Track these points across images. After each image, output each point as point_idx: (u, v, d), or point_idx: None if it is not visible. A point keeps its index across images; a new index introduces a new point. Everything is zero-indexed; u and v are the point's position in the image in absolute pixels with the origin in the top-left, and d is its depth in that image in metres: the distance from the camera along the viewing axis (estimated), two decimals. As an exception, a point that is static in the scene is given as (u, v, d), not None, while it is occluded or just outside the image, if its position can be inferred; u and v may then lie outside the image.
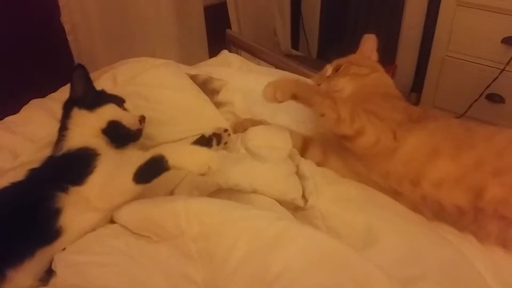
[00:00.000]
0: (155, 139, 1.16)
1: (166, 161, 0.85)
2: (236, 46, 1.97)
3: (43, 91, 1.51)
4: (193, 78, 1.32)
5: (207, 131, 1.14)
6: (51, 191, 0.88)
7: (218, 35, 2.10)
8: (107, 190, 0.89)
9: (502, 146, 0.96)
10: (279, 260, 0.76)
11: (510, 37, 2.07)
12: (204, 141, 1.12)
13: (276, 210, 0.97)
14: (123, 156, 1.00)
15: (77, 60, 1.71)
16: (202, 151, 0.89)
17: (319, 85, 1.25)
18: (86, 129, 0.98)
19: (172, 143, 1.09)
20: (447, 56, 2.31)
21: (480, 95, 2.23)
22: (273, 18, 2.66)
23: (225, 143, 1.15)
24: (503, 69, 2.13)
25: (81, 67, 1.02)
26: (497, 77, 2.15)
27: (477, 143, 0.97)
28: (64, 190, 0.88)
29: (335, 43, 2.78)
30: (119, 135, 1.01)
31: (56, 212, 0.87)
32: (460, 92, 2.32)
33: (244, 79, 1.42)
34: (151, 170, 0.87)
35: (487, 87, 2.20)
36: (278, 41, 2.73)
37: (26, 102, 1.44)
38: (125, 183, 0.88)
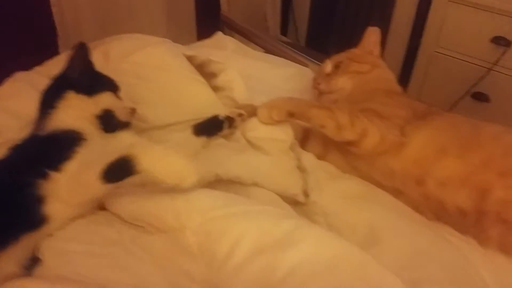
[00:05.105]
0: (148, 121, 1.11)
1: (135, 164, 0.76)
2: (230, 29, 1.91)
3: (24, 64, 1.42)
4: (190, 59, 1.25)
5: (222, 112, 1.09)
6: (33, 176, 0.81)
7: (207, 18, 2.04)
8: (74, 183, 0.81)
9: (510, 146, 0.95)
10: (286, 260, 0.73)
11: (499, 37, 2.06)
12: (216, 122, 1.07)
13: (277, 204, 0.94)
14: (112, 140, 0.94)
15: (60, 33, 1.63)
16: (180, 160, 0.79)
17: (318, 84, 1.21)
18: (79, 112, 0.93)
19: (150, 143, 1.00)
20: (436, 52, 2.31)
21: (466, 93, 2.24)
22: (264, 3, 2.60)
23: (235, 127, 1.10)
24: (491, 69, 2.13)
25: (83, 45, 0.96)
26: (484, 76, 2.16)
27: (485, 142, 0.97)
28: (44, 176, 0.81)
29: (324, 32, 2.74)
30: (108, 124, 0.96)
31: (39, 199, 0.81)
32: (447, 89, 2.32)
33: (241, 63, 1.37)
34: (119, 171, 0.78)
35: (473, 85, 2.21)
36: (268, 26, 2.68)
37: (7, 75, 1.35)
38: (91, 180, 0.78)
